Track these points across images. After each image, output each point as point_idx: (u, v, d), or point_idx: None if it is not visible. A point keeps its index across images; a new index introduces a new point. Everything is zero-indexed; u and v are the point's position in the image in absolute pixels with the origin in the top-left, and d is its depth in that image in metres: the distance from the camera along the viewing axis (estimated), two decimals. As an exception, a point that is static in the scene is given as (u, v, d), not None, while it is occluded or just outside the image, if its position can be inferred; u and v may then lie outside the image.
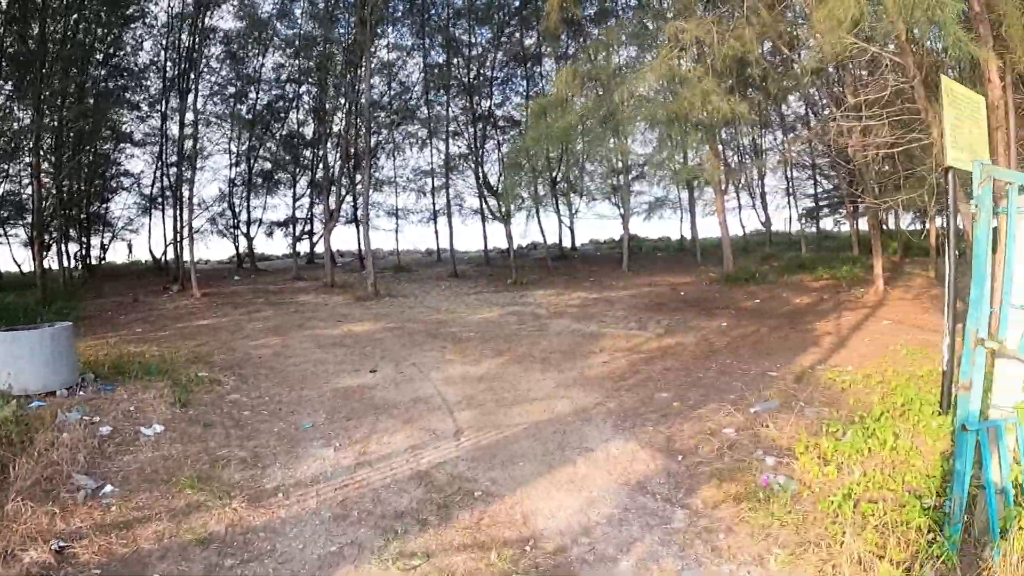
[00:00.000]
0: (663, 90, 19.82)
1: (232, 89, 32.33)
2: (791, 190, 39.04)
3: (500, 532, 5.70)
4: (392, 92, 35.05)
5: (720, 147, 31.79)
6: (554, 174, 34.53)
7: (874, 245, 22.22)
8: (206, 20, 28.95)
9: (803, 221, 38.23)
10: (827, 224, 41.79)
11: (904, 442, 7.10)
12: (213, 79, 31.62)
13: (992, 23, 12.31)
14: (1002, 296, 4.88)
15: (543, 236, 35.04)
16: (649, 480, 6.68)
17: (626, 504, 6.12)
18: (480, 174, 34.23)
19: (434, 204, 37.27)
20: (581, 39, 28.72)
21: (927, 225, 27.15)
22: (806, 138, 17.65)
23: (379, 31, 30.53)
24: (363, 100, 28.00)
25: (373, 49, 30.10)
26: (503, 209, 30.90)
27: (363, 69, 27.08)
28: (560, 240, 39.39)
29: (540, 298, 21.94)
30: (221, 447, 7.92)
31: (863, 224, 33.62)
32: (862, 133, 14.82)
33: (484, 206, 34.79)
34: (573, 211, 39.36)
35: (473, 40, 34.80)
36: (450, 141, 35.42)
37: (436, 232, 37.18)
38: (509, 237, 30.11)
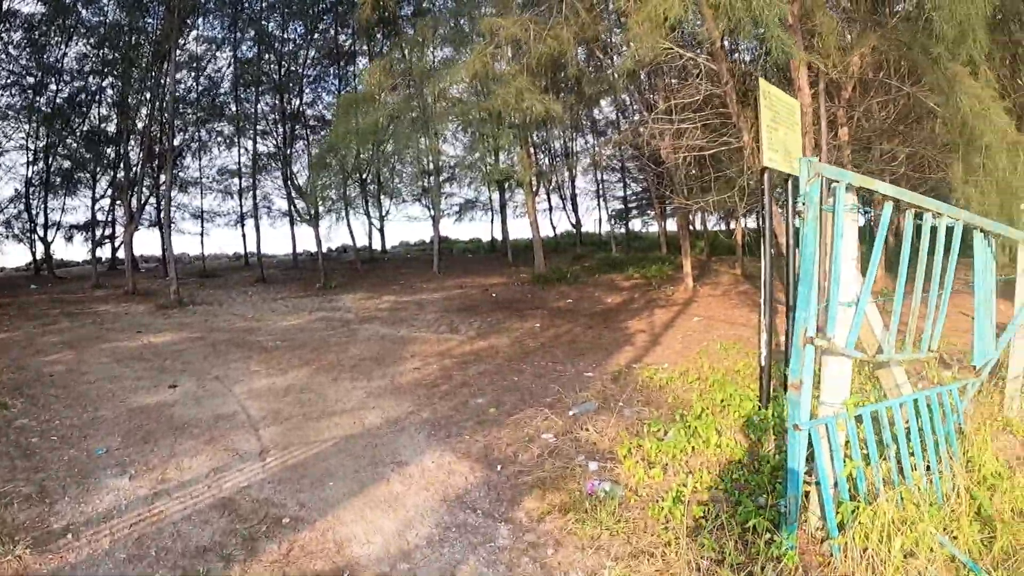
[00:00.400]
0: (478, 90, 19.71)
1: (31, 80, 29.40)
2: (601, 192, 40.27)
3: (312, 564, 5.20)
4: (200, 87, 33.02)
5: (532, 149, 32.20)
6: (364, 175, 33.83)
7: (683, 245, 23.08)
8: (4, 3, 26.20)
9: (613, 222, 39.51)
10: (636, 225, 43.51)
11: (728, 439, 7.15)
12: (11, 67, 28.65)
13: (805, 33, 12.84)
14: (829, 293, 4.81)
15: (352, 239, 34.34)
16: (469, 494, 6.36)
17: (447, 522, 5.76)
18: (288, 175, 32.93)
19: (241, 206, 35.38)
20: (396, 38, 28.22)
21: (733, 225, 28.50)
22: (617, 141, 17.92)
23: (189, 21, 28.65)
24: (169, 95, 26.25)
25: (182, 41, 28.31)
26: (311, 211, 29.87)
27: (169, 62, 25.36)
28: (370, 243, 38.77)
29: (350, 302, 21.26)
30: (5, 482, 6.92)
31: (671, 225, 35.05)
32: (675, 136, 15.18)
33: (292, 208, 33.61)
34: (383, 213, 38.77)
35: (286, 35, 33.39)
36: (258, 140, 33.74)
37: (244, 235, 35.49)
38: (318, 240, 29.13)
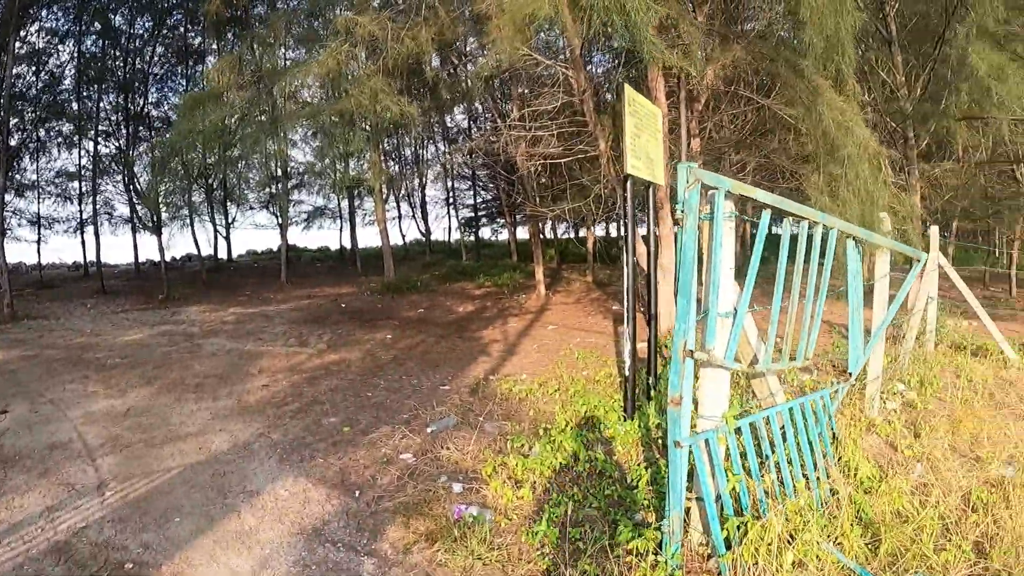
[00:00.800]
0: (330, 93, 18.97)
1: None
2: (451, 200, 39.95)
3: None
4: (40, 83, 30.50)
5: (383, 156, 31.52)
6: (210, 180, 32.32)
7: (534, 252, 23.11)
8: None
9: (463, 230, 39.19)
10: (485, 233, 43.38)
11: (597, 453, 6.90)
12: None
13: (667, 43, 12.91)
14: (707, 304, 4.63)
15: (197, 247, 32.66)
16: (328, 525, 5.86)
17: (305, 559, 5.25)
18: (130, 179, 30.89)
19: (81, 212, 32.67)
20: (247, 35, 27.04)
21: (584, 233, 28.78)
22: (471, 148, 17.65)
23: (31, 11, 26.44)
24: (5, 91, 24.16)
25: (22, 32, 26.14)
26: (154, 217, 28.21)
27: (7, 55, 23.32)
28: (215, 251, 36.94)
29: (194, 315, 20.08)
30: None
31: (522, 233, 35.21)
32: (530, 144, 15.06)
33: (134, 214, 31.58)
34: (230, 220, 37.00)
35: (133, 30, 31.03)
36: (100, 141, 31.33)
37: (83, 243, 32.84)
38: (160, 248, 27.42)
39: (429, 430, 8.50)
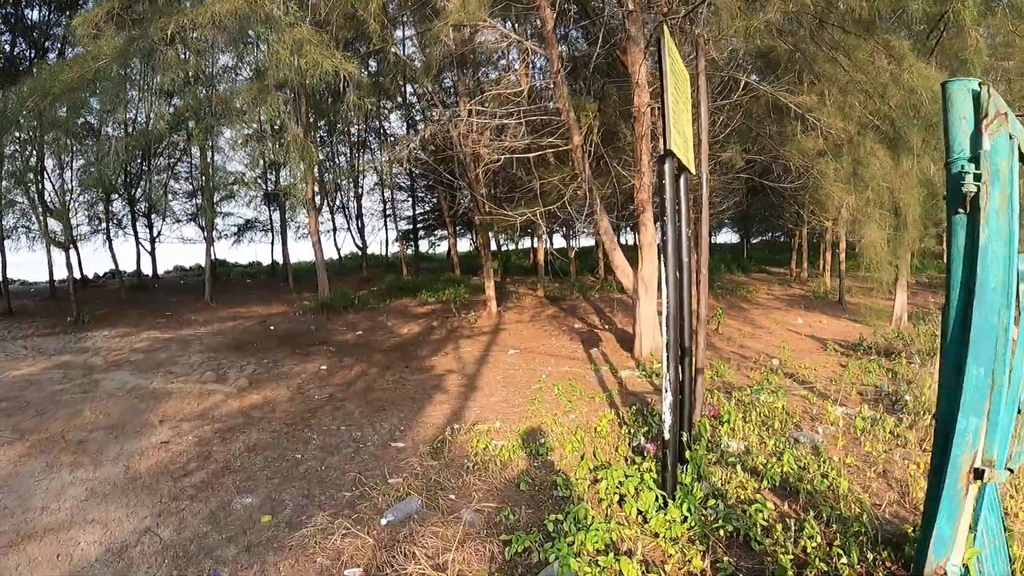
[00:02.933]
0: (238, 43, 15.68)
1: None
2: (389, 212, 37.18)
3: None
4: None
5: (316, 167, 28.39)
6: (133, 191, 28.93)
7: (484, 265, 20.57)
8: None
9: (402, 243, 36.16)
10: (423, 246, 40.68)
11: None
12: None
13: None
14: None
15: (115, 263, 28.93)
16: None
17: None
18: (40, 188, 27.03)
19: None
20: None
21: (533, 244, 26.27)
22: (422, 140, 14.92)
23: None
24: None
25: None
26: (65, 231, 24.67)
27: None
28: (138, 267, 33.11)
29: (102, 341, 16.86)
30: None
31: (463, 244, 32.64)
32: (495, 133, 12.39)
33: (44, 227, 27.73)
34: (155, 234, 33.12)
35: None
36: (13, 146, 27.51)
37: (4, 259, 28.76)
38: (69, 265, 23.73)
39: (384, 521, 5.82)
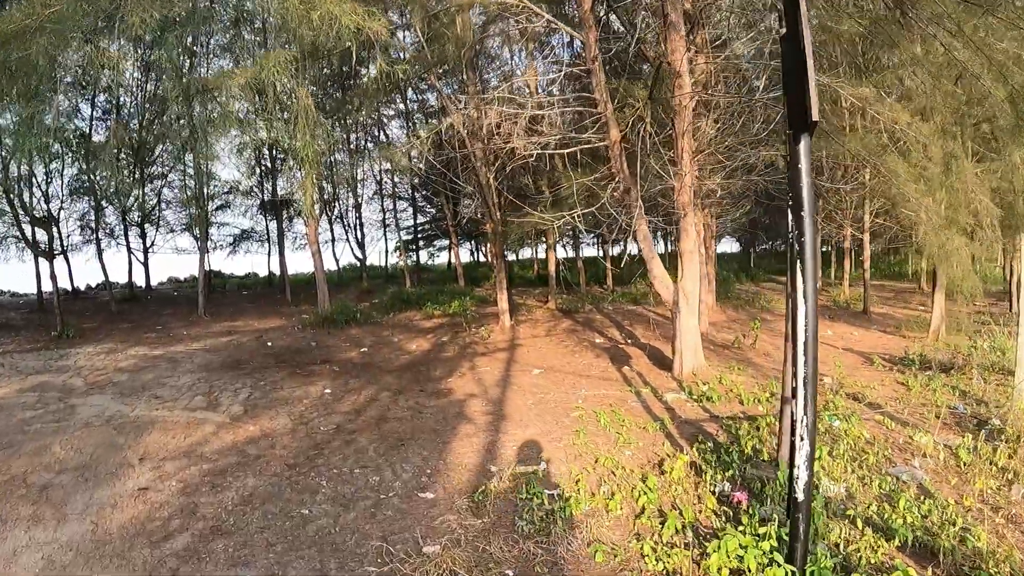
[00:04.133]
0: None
1: None
2: (389, 221, 35.54)
3: None
4: None
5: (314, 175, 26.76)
6: (127, 201, 27.33)
7: (498, 276, 19.07)
8: None
9: (404, 253, 34.46)
10: (422, 256, 39.10)
11: None
12: None
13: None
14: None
15: (105, 274, 27.09)
16: None
17: None
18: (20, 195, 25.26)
19: None
20: None
21: (541, 254, 24.73)
22: (452, 123, 13.13)
23: None
24: None
25: None
26: (47, 240, 22.98)
27: None
28: (130, 278, 31.13)
29: (85, 358, 15.17)
30: None
31: (463, 254, 31.13)
32: (528, 126, 10.89)
33: (27, 236, 25.97)
34: (148, 244, 31.30)
35: None
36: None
37: None
38: (53, 277, 21.94)
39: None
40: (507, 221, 16.63)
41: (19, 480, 7.19)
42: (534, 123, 10.83)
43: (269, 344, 16.44)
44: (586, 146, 11.19)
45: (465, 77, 16.25)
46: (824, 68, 11.28)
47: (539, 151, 10.81)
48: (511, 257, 34.34)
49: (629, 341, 16.30)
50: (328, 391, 11.40)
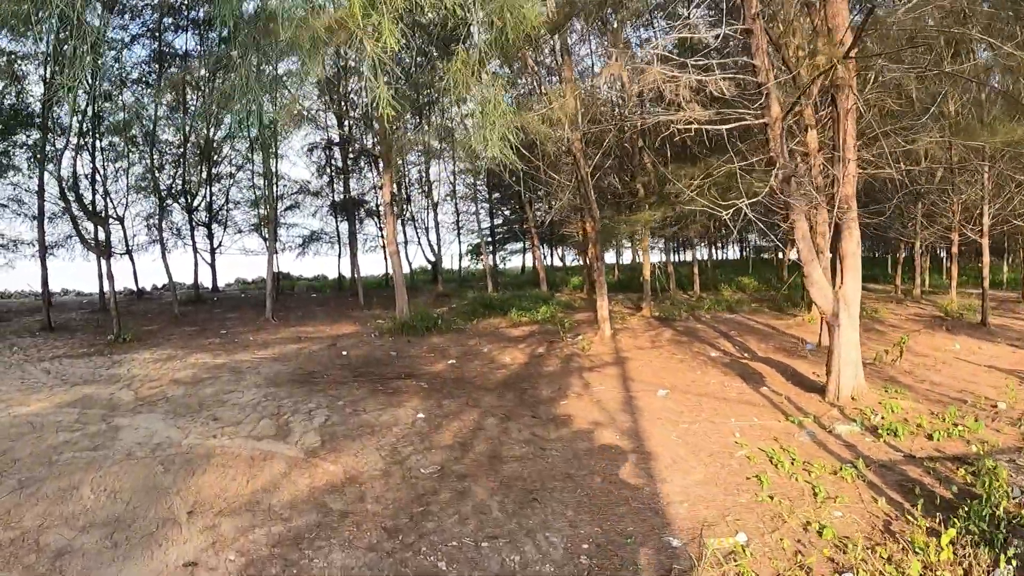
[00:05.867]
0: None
1: None
2: (463, 223, 33.77)
3: None
4: None
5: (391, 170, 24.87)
6: (193, 200, 25.86)
7: (598, 280, 16.97)
8: None
9: (480, 255, 32.38)
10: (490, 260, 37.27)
11: None
12: None
13: None
14: None
15: (168, 275, 25.29)
16: None
17: None
18: (73, 187, 23.61)
19: (41, 234, 25.34)
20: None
21: (638, 257, 22.51)
22: (604, 73, 10.80)
23: None
24: None
25: None
26: (104, 236, 21.36)
27: None
28: (196, 280, 29.52)
29: (139, 366, 13.33)
30: None
31: (543, 257, 28.98)
32: (688, 97, 8.73)
33: (79, 232, 24.42)
34: (215, 245, 29.76)
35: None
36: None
37: (45, 268, 25.28)
38: (109, 275, 20.22)
39: None
40: (611, 219, 14.49)
41: (31, 539, 5.28)
42: (698, 93, 8.66)
43: (344, 353, 14.51)
44: (736, 124, 9.00)
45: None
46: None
47: (703, 125, 8.66)
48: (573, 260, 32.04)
49: (747, 355, 14.04)
50: (421, 416, 9.31)
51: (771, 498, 6.08)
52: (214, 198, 27.67)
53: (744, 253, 48.83)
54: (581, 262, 31.35)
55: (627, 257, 43.47)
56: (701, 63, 8.37)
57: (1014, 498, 5.70)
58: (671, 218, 15.81)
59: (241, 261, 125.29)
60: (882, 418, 8.71)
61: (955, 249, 22.52)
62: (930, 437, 7.99)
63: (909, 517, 5.51)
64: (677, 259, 36.57)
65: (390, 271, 20.75)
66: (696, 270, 26.19)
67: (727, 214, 8.60)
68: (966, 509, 5.44)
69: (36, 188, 19.18)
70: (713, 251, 38.90)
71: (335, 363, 13.52)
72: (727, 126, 8.94)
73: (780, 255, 36.56)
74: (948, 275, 25.07)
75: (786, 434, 8.23)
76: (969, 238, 20.07)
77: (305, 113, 24.04)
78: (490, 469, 7.13)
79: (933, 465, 6.92)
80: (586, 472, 7.02)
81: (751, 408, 9.66)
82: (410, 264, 33.40)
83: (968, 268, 32.80)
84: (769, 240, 41.37)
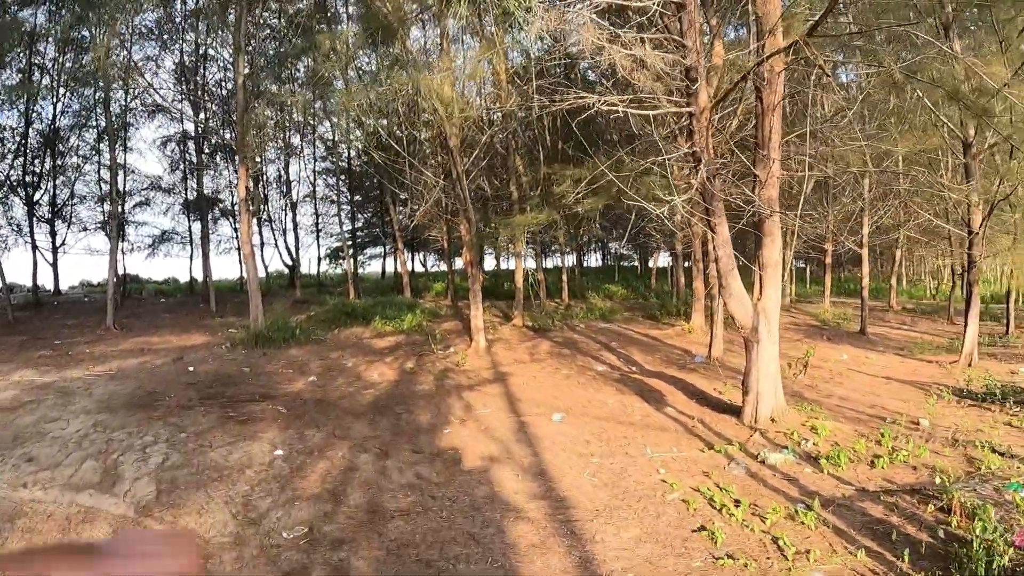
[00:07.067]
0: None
1: None
2: (322, 225, 31.78)
3: None
4: None
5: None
6: (34, 193, 22.73)
7: (473, 287, 15.34)
8: None
9: (344, 259, 30.22)
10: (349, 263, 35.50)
11: None
12: None
13: None
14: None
15: (2, 277, 21.96)
16: None
17: None
18: None
19: None
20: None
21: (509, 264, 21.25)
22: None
23: None
24: None
25: None
26: None
27: None
28: (35, 281, 25.83)
29: None
30: None
31: (403, 262, 27.35)
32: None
33: None
34: (58, 243, 26.25)
35: None
36: None
37: None
38: None
39: None
40: (489, 222, 13.18)
41: None
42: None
43: (191, 369, 12.51)
44: (670, 111, 7.84)
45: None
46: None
47: (628, 108, 7.42)
48: (454, 266, 30.59)
49: (636, 370, 13.07)
50: (280, 452, 7.60)
51: (731, 558, 4.88)
52: (58, 192, 24.56)
53: (606, 260, 48.52)
54: (445, 267, 30.08)
55: (488, 263, 42.48)
56: (633, 35, 7.14)
57: (1010, 544, 4.75)
58: (559, 222, 14.71)
59: (87, 261, 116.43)
60: (814, 444, 7.76)
61: (828, 259, 22.59)
62: (872, 464, 7.12)
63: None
64: (545, 265, 35.86)
65: (246, 274, 18.61)
66: (565, 277, 25.20)
67: (663, 209, 7.39)
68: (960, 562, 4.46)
69: None
70: (580, 258, 38.36)
71: (180, 381, 11.52)
72: (655, 111, 7.78)
73: (648, 263, 36.48)
74: (818, 285, 25.34)
75: (716, 468, 7.09)
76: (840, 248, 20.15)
77: (160, 100, 22.38)
78: (371, 530, 5.56)
79: (892, 500, 6.02)
80: (493, 530, 5.58)
81: (664, 435, 8.51)
82: (266, 268, 30.98)
83: (834, 278, 33.66)
84: (630, 248, 41.76)
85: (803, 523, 5.48)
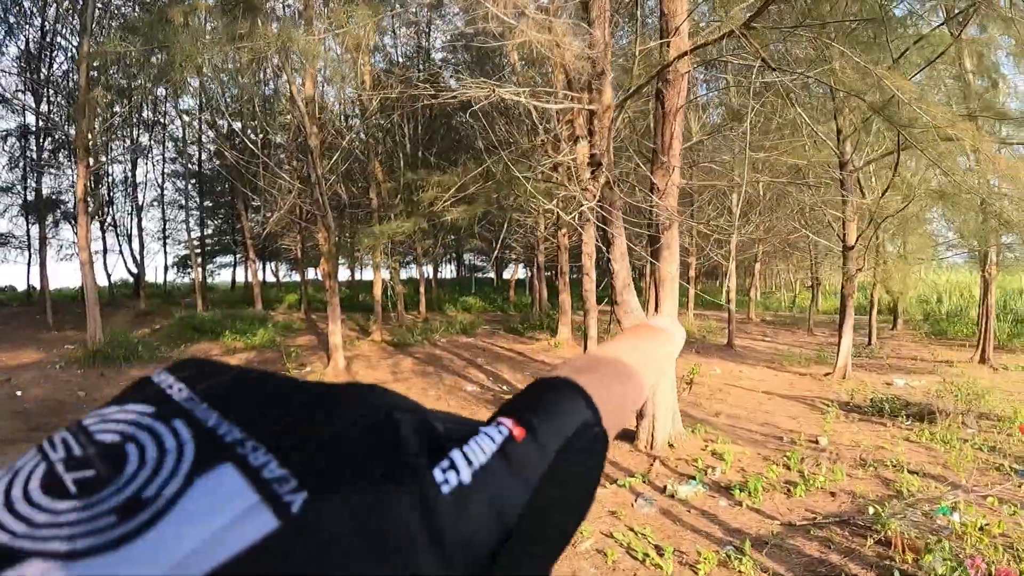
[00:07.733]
0: None
1: None
2: (169, 232, 29.97)
3: None
4: None
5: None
6: None
7: (330, 300, 14.16)
8: None
9: (194, 268, 28.11)
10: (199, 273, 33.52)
11: None
12: None
13: None
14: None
15: None
16: None
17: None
18: None
19: None
20: None
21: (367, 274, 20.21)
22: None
23: None
24: None
25: None
26: None
27: None
28: None
29: None
30: None
31: (256, 272, 25.82)
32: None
33: None
34: None
35: None
36: None
37: None
38: None
39: None
40: (349, 230, 12.21)
41: None
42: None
43: (19, 394, 10.90)
44: (557, 106, 7.13)
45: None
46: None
47: (525, 100, 6.63)
48: (306, 275, 29.22)
49: (507, 388, 12.44)
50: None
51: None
52: None
53: (460, 271, 47.87)
54: (298, 277, 28.69)
55: (343, 274, 41.21)
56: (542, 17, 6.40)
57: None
58: (427, 230, 13.88)
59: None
60: (722, 472, 7.20)
61: (693, 272, 22.65)
62: (788, 493, 6.60)
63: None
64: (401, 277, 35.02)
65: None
66: (423, 288, 24.35)
67: (548, 211, 6.64)
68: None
69: None
70: (436, 269, 37.61)
71: (6, 409, 9.95)
72: (557, 105, 7.06)
73: (504, 275, 36.04)
74: (681, 296, 25.45)
75: (622, 505, 6.37)
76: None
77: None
78: None
79: (824, 535, 5.52)
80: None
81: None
82: (109, 276, 28.84)
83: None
84: (485, 259, 41.22)
85: (740, 572, 4.83)
